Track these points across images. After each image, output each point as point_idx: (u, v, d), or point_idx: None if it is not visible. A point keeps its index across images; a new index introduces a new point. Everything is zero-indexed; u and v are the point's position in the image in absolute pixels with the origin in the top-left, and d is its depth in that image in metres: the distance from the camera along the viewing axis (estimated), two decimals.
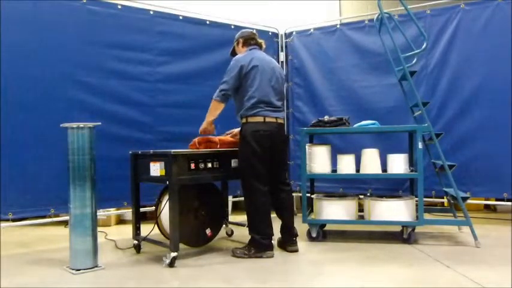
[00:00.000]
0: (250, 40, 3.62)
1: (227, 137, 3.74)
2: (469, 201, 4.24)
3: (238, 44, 3.66)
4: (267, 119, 3.40)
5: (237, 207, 5.58)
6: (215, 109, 3.49)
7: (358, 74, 5.02)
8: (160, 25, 4.44)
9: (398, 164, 3.83)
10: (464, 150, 4.46)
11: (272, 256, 3.36)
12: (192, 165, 3.24)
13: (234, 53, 3.71)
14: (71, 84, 3.89)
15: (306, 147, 3.98)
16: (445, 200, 4.97)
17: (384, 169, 3.95)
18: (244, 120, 3.43)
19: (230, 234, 4.17)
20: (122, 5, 4.23)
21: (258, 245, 3.36)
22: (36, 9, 3.73)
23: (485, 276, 2.79)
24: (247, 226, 3.48)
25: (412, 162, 4.06)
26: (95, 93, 4.01)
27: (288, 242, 3.54)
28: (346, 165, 3.94)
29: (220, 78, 4.74)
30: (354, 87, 5.03)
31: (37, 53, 3.73)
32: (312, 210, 4.05)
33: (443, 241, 3.82)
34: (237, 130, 3.69)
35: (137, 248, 3.57)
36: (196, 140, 3.55)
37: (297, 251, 3.51)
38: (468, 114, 4.48)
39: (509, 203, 4.55)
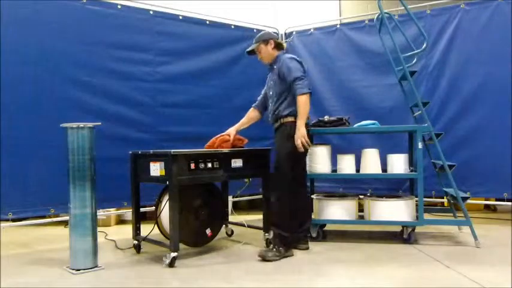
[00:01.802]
0: (281, 44, 3.62)
1: (236, 136, 3.75)
2: (469, 201, 4.24)
3: (267, 44, 3.56)
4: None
5: (237, 207, 5.58)
6: (303, 106, 3.33)
7: (358, 74, 5.02)
8: (160, 25, 4.44)
9: (398, 164, 3.83)
10: (464, 150, 4.46)
11: (293, 254, 3.41)
12: (192, 165, 3.23)
13: (251, 52, 3.64)
14: (71, 84, 3.88)
15: None
16: (445, 200, 4.97)
17: (384, 169, 3.95)
18: (292, 119, 3.40)
19: (230, 234, 4.16)
20: (121, 5, 4.23)
21: (285, 242, 3.37)
22: (36, 9, 3.73)
23: (485, 276, 2.79)
24: (273, 225, 3.43)
25: (412, 162, 4.06)
26: (95, 93, 4.00)
27: (302, 240, 3.59)
28: (346, 165, 3.94)
29: (220, 78, 4.81)
30: (354, 87, 5.03)
31: (37, 53, 3.72)
32: (312, 210, 4.04)
33: (443, 241, 3.81)
34: (230, 131, 3.70)
35: (137, 248, 3.57)
36: (214, 140, 3.62)
37: (308, 248, 3.58)
38: (468, 114, 4.48)
39: (509, 203, 4.56)
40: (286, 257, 3.35)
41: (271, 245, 3.39)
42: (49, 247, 3.86)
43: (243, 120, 3.82)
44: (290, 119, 3.42)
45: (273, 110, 3.56)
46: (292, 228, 3.43)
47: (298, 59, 3.51)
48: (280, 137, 3.47)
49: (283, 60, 3.47)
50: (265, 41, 3.56)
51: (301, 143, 3.31)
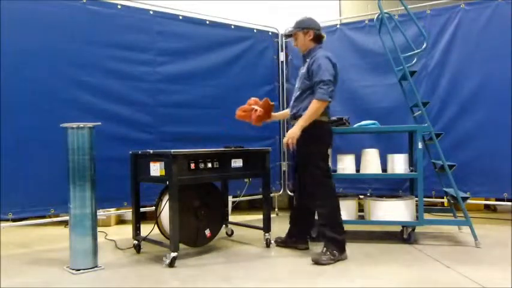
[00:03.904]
0: (321, 37, 3.38)
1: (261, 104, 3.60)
2: (469, 201, 4.24)
3: (306, 34, 3.35)
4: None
5: (237, 207, 5.58)
6: (317, 112, 3.21)
7: (358, 74, 5.01)
8: (160, 25, 4.44)
9: (398, 164, 3.83)
10: (465, 150, 4.46)
11: (346, 257, 3.27)
12: (192, 165, 3.23)
13: (290, 35, 3.47)
14: (71, 84, 3.88)
15: None
16: (445, 200, 4.97)
17: (384, 169, 3.95)
18: (319, 118, 3.27)
19: (230, 234, 4.16)
20: (121, 5, 4.23)
21: (341, 246, 3.24)
22: (36, 9, 3.73)
23: (485, 276, 2.79)
24: (324, 228, 3.28)
25: (412, 162, 4.06)
26: (95, 93, 4.00)
27: (302, 240, 3.56)
28: (346, 165, 3.94)
29: (220, 78, 4.82)
30: (354, 87, 5.03)
31: (37, 53, 3.72)
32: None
33: (443, 241, 3.81)
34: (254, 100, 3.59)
35: (137, 248, 3.57)
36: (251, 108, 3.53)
37: (308, 248, 3.56)
38: (468, 114, 4.48)
39: (509, 203, 4.56)
40: (340, 260, 3.20)
41: (324, 249, 3.23)
42: (49, 247, 3.86)
43: (278, 114, 3.79)
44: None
45: (292, 106, 3.44)
46: (342, 228, 3.30)
47: (333, 59, 3.28)
48: (302, 139, 3.28)
49: (316, 57, 3.25)
50: (305, 30, 3.35)
51: (287, 143, 3.25)
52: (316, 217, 3.55)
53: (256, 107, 3.53)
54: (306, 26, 3.37)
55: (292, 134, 3.24)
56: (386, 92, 4.82)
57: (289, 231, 3.67)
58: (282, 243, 3.66)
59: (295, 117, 3.40)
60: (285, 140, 3.28)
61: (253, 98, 3.63)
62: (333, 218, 3.30)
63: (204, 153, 3.35)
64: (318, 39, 3.38)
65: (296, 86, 3.50)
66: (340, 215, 3.36)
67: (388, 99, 4.80)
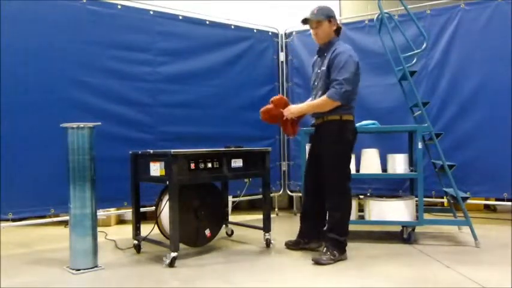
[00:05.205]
0: (340, 30, 3.28)
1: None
2: (469, 201, 4.24)
3: (331, 23, 3.23)
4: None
5: (237, 207, 5.58)
6: (323, 108, 3.17)
7: None
8: (160, 25, 4.44)
9: (398, 164, 3.83)
10: (464, 150, 4.46)
11: (346, 258, 3.27)
12: (192, 165, 3.23)
13: (306, 21, 3.27)
14: (71, 84, 3.88)
15: (306, 147, 3.98)
16: (445, 200, 4.98)
17: (384, 169, 3.95)
18: (338, 117, 3.20)
19: (230, 234, 4.17)
20: (122, 5, 4.23)
21: (342, 247, 3.23)
22: (36, 9, 3.73)
23: (485, 276, 2.79)
24: (328, 229, 3.27)
25: (412, 162, 4.06)
26: (95, 93, 4.00)
27: (316, 238, 3.50)
28: None
29: (220, 78, 4.82)
30: None
31: (37, 53, 3.72)
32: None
33: (443, 241, 3.82)
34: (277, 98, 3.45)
35: (137, 248, 3.57)
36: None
37: (321, 246, 3.46)
38: (468, 114, 4.48)
39: (509, 203, 4.56)
40: (340, 260, 3.20)
41: (325, 249, 3.23)
42: (49, 247, 3.86)
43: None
44: (335, 116, 3.20)
45: None
46: (346, 232, 3.27)
47: (355, 58, 3.15)
48: (326, 138, 3.26)
49: (339, 53, 3.13)
50: (329, 18, 3.21)
51: (286, 115, 3.31)
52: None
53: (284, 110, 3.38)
54: (332, 15, 3.24)
55: (292, 111, 3.29)
56: (386, 92, 4.82)
57: (300, 231, 3.60)
58: (294, 245, 3.58)
59: (319, 114, 3.30)
60: (286, 112, 3.30)
61: (276, 97, 3.44)
62: (342, 223, 3.27)
63: (204, 153, 3.34)
64: (338, 30, 3.30)
65: (315, 83, 3.37)
66: (349, 219, 3.33)
67: (388, 99, 4.80)
